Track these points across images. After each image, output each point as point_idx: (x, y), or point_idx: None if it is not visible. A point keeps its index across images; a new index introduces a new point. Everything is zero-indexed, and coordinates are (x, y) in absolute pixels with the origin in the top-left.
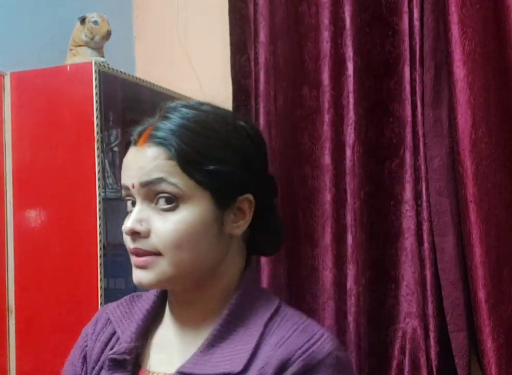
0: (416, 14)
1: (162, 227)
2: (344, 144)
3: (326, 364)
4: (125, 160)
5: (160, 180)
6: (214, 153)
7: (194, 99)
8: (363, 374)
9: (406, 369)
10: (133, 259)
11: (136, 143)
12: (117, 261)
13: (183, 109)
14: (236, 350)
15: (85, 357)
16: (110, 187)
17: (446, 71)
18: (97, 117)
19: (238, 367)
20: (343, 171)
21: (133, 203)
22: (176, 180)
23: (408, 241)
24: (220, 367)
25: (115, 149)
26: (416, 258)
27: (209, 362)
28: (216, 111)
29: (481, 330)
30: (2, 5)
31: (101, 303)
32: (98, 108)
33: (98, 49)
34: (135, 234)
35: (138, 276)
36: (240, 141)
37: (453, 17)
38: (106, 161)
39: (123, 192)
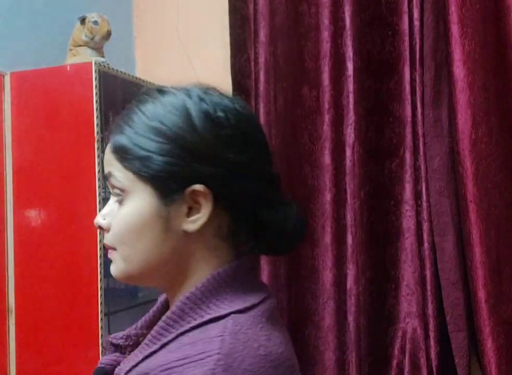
0: (416, 14)
1: (113, 222)
2: (344, 144)
3: None
4: None
5: (109, 174)
6: (148, 141)
7: None
8: (363, 374)
9: (406, 368)
10: None
11: None
12: None
13: (142, 97)
14: (138, 353)
15: None
16: None
17: (446, 71)
18: (97, 117)
19: (124, 369)
20: (343, 171)
21: None
22: (119, 174)
23: (408, 241)
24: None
25: None
26: (416, 258)
27: (127, 360)
28: (172, 95)
29: (481, 330)
30: (2, 5)
31: (101, 303)
32: (98, 108)
33: (98, 49)
34: (100, 228)
35: (110, 269)
36: (185, 127)
37: (453, 17)
38: None
39: None
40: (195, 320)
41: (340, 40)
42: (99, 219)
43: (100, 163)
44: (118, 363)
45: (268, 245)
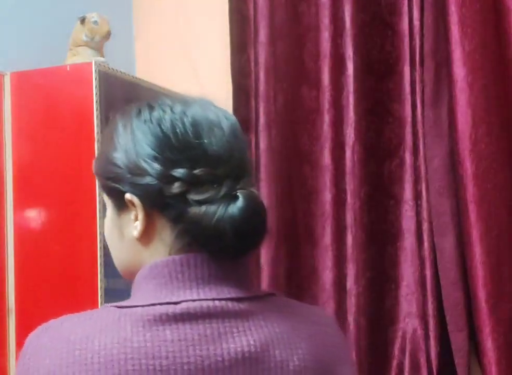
0: (416, 14)
1: None
2: (344, 144)
3: None
4: None
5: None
6: (101, 150)
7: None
8: (363, 374)
9: (406, 369)
10: None
11: None
12: None
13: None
14: None
15: None
16: None
17: (446, 71)
18: (97, 117)
19: None
20: (343, 171)
21: None
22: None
23: (408, 241)
24: None
25: None
26: (416, 258)
27: None
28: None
29: (481, 330)
30: (2, 5)
31: (101, 303)
32: (98, 108)
33: (98, 49)
34: None
35: None
36: (109, 140)
37: (453, 17)
38: None
39: None
40: None
41: (340, 40)
42: None
43: None
44: None
45: (210, 245)
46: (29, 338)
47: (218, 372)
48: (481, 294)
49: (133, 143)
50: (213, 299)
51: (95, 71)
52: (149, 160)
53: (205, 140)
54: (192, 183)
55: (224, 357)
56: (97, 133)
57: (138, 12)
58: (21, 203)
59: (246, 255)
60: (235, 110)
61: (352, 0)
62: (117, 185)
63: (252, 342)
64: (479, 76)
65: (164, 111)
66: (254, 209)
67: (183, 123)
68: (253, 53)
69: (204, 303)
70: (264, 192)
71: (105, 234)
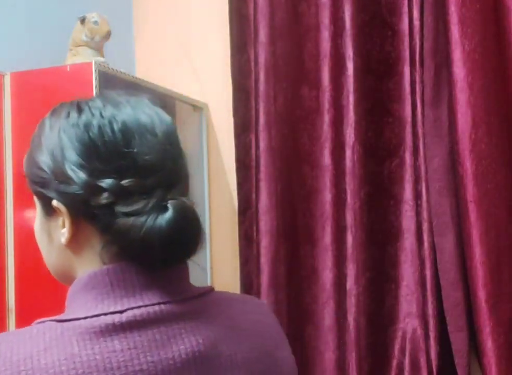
0: (416, 14)
1: None
2: (344, 144)
3: None
4: None
5: None
6: (29, 150)
7: (194, 99)
8: (363, 374)
9: (406, 369)
10: None
11: None
12: None
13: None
14: None
15: None
16: None
17: (446, 71)
18: None
19: None
20: (343, 171)
21: None
22: None
23: (408, 241)
24: None
25: None
26: (416, 258)
27: None
28: (60, 105)
29: (481, 330)
30: (2, 5)
31: None
32: None
33: (98, 49)
34: None
35: None
36: (39, 133)
37: (453, 17)
38: None
39: None
40: None
41: (340, 40)
42: None
43: None
44: None
45: (139, 257)
46: None
47: None
48: (481, 294)
49: (60, 148)
50: (158, 303)
51: (95, 71)
52: (75, 168)
53: (135, 149)
54: (120, 194)
55: (176, 359)
56: None
57: (138, 12)
58: (21, 203)
59: (177, 264)
60: (235, 110)
61: (352, 0)
62: (43, 191)
63: (200, 341)
64: (479, 76)
65: (93, 114)
66: (183, 219)
67: (112, 130)
68: (253, 53)
69: (151, 309)
70: (264, 192)
71: (36, 236)
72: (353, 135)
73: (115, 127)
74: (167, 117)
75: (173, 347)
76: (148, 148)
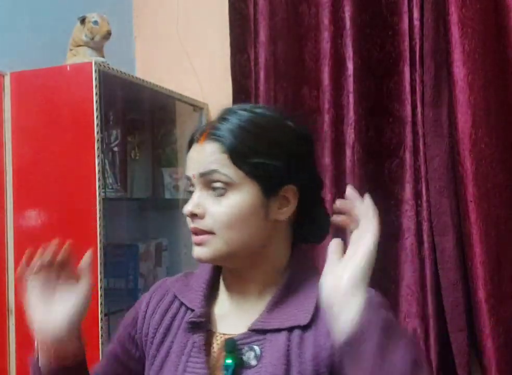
0: (416, 14)
1: (215, 210)
2: (344, 144)
3: None
4: (188, 155)
5: (214, 171)
6: (261, 148)
7: (194, 99)
8: None
9: None
10: (193, 238)
11: (197, 140)
12: (117, 261)
13: (239, 111)
14: (299, 308)
15: (135, 318)
16: (110, 187)
17: (446, 71)
18: (97, 117)
19: (305, 320)
20: (343, 171)
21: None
22: (228, 171)
23: (408, 241)
24: (287, 322)
25: (115, 149)
26: (416, 258)
27: (276, 319)
28: (268, 112)
29: (481, 330)
30: (2, 5)
31: (101, 303)
32: (98, 108)
33: (98, 49)
34: (193, 216)
35: (197, 252)
36: (286, 139)
37: (453, 17)
38: (106, 161)
39: (185, 183)
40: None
41: (340, 40)
42: (194, 208)
43: (100, 163)
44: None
45: (308, 234)
46: None
47: None
48: (481, 294)
49: None
50: None
51: (95, 71)
52: None
53: None
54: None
55: None
56: (97, 132)
57: (138, 12)
58: (21, 203)
59: None
60: None
61: (352, 0)
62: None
63: None
64: (479, 76)
65: None
66: None
67: None
68: (253, 53)
69: None
70: None
71: (237, 210)
72: (353, 135)
73: None
74: None
75: None
76: None
